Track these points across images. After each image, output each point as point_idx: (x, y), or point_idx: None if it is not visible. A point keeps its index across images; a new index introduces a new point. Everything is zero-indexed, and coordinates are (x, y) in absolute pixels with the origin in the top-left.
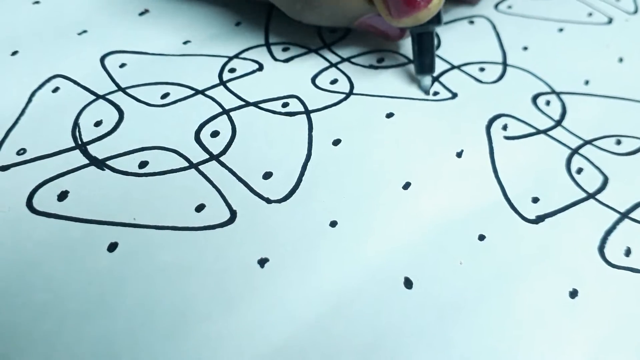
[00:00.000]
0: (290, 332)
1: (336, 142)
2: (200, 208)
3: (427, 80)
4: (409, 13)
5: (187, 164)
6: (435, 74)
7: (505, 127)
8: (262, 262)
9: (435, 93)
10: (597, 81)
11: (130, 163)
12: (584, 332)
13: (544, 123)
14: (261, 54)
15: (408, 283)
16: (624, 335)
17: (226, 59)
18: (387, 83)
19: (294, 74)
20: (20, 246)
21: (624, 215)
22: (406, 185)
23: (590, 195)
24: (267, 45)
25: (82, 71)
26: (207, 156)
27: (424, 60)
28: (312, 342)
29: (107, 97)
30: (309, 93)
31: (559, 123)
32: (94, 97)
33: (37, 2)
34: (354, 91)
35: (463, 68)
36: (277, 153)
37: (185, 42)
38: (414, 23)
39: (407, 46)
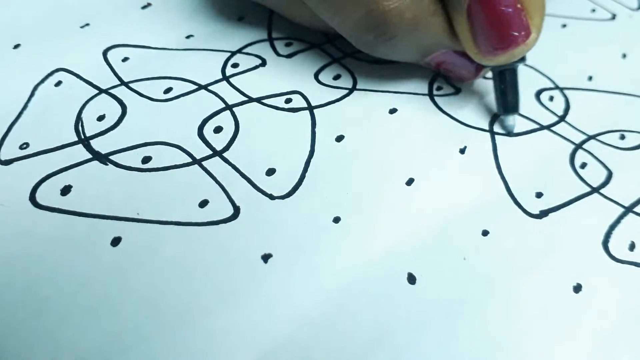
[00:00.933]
0: (294, 327)
1: (339, 138)
2: (203, 204)
3: (511, 120)
4: (504, 50)
5: (190, 160)
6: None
7: None
8: (266, 257)
9: (439, 88)
10: (601, 77)
11: (133, 158)
12: (588, 326)
13: (547, 119)
14: (264, 49)
15: (411, 278)
16: (628, 330)
17: (229, 54)
18: (391, 78)
19: (297, 70)
20: (24, 241)
21: (628, 209)
22: (409, 181)
23: (595, 190)
24: (270, 40)
25: (84, 65)
26: (210, 152)
27: (508, 99)
28: (316, 337)
29: (110, 91)
30: (312, 89)
31: (562, 118)
32: (96, 91)
33: None
34: (357, 87)
35: None
36: (280, 149)
37: (188, 37)
38: (507, 61)
39: None
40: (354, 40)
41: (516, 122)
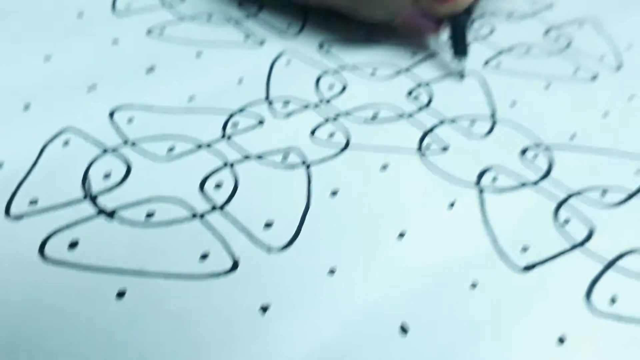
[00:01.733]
0: None
1: (334, 193)
2: (204, 257)
3: (462, 62)
4: (449, 0)
5: (192, 215)
6: (427, 128)
7: (494, 180)
8: (264, 309)
9: (428, 146)
10: (583, 135)
11: (137, 213)
12: None
13: (532, 175)
14: (263, 109)
15: (404, 330)
16: None
17: (229, 114)
18: (382, 136)
19: (293, 128)
20: (33, 293)
21: (610, 264)
22: (401, 235)
23: (577, 245)
24: (268, 101)
25: (91, 125)
26: (211, 207)
27: (458, 45)
28: None
29: (116, 150)
30: (308, 146)
31: (546, 175)
32: (103, 150)
33: (48, 58)
34: (351, 144)
35: (454, 122)
36: (278, 203)
37: (190, 98)
38: (454, 9)
39: (402, 102)
40: (334, 4)
41: (466, 66)
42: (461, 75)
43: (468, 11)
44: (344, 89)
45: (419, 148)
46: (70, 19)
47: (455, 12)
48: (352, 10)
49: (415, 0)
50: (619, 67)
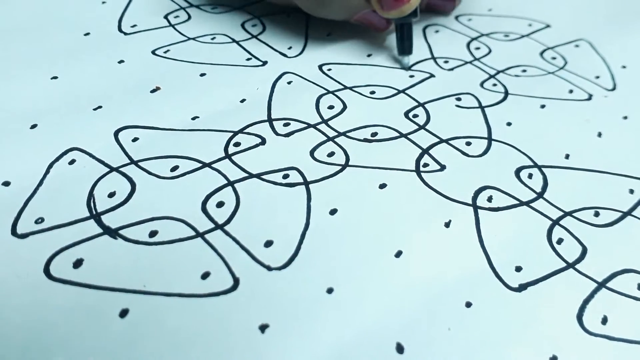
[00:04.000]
0: None
1: (333, 212)
2: (205, 275)
3: (406, 59)
4: (396, 7)
5: (194, 233)
6: (424, 147)
7: (490, 199)
8: (263, 328)
9: (425, 165)
10: (577, 155)
11: (141, 232)
12: None
13: (526, 195)
14: (264, 129)
15: (400, 348)
16: None
17: (231, 134)
18: (380, 155)
19: (294, 148)
20: (38, 311)
21: (601, 284)
22: (398, 254)
23: (570, 265)
24: (270, 120)
25: (97, 144)
26: (212, 225)
27: (404, 45)
28: None
29: (121, 169)
30: (308, 165)
31: (540, 195)
32: (108, 170)
33: (55, 78)
34: (350, 163)
35: (451, 142)
36: (278, 222)
37: (193, 118)
38: (399, 15)
39: (400, 122)
40: (302, 5)
41: (410, 61)
42: (407, 69)
43: (414, 14)
44: (343, 108)
45: (417, 167)
46: (77, 39)
47: (402, 16)
48: (314, 10)
49: (367, 2)
50: (613, 88)
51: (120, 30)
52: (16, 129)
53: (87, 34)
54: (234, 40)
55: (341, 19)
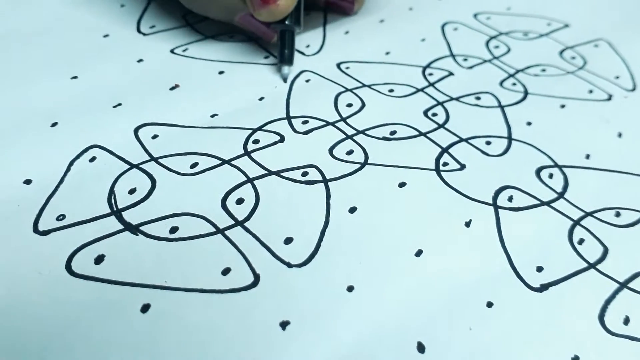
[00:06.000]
0: None
1: (352, 210)
2: (226, 271)
3: (286, 69)
4: (263, 7)
5: (214, 230)
6: (444, 146)
7: (510, 199)
8: (284, 324)
9: (445, 164)
10: (598, 155)
11: (161, 228)
12: None
13: (547, 195)
14: (283, 127)
15: (421, 347)
16: None
17: (250, 131)
18: (400, 154)
19: (312, 145)
20: (60, 307)
21: (623, 285)
22: (418, 253)
23: (591, 265)
24: (288, 118)
25: (117, 142)
26: (232, 222)
27: (284, 52)
28: None
29: (141, 166)
30: (327, 163)
31: (561, 195)
32: (128, 167)
33: (75, 77)
34: (369, 161)
35: (471, 141)
36: (298, 219)
37: (212, 115)
38: (271, 18)
39: (419, 120)
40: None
41: (290, 72)
42: (284, 80)
43: (297, 22)
44: (362, 106)
45: (436, 166)
46: (96, 41)
47: (274, 19)
48: (190, 3)
49: (244, 2)
50: (633, 88)
51: (139, 31)
52: (37, 128)
53: (107, 35)
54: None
55: (222, 19)
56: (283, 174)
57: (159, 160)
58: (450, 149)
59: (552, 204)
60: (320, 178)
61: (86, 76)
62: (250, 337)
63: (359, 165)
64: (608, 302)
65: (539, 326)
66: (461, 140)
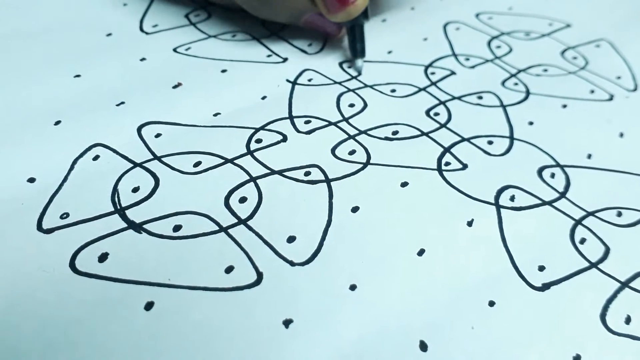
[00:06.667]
0: None
1: (355, 209)
2: (229, 270)
3: (359, 62)
4: (341, 9)
5: (217, 228)
6: (446, 145)
7: (512, 198)
8: (287, 323)
9: (447, 164)
10: (599, 155)
11: (165, 227)
12: None
13: (549, 195)
14: (285, 126)
15: (423, 346)
16: None
17: (253, 130)
18: (402, 154)
19: (315, 145)
20: (64, 304)
21: (625, 284)
22: (420, 252)
23: (593, 265)
24: (291, 118)
25: (120, 140)
26: (235, 220)
27: (357, 47)
28: None
29: (144, 164)
30: (329, 163)
31: (563, 195)
32: (131, 165)
33: (78, 76)
34: (371, 161)
35: (473, 140)
36: (300, 218)
37: (215, 114)
38: (346, 18)
39: (421, 120)
40: (245, 6)
41: (363, 65)
42: (359, 73)
43: (365, 15)
44: (364, 106)
45: (438, 165)
46: (99, 40)
47: (349, 19)
48: (258, 10)
49: (313, 4)
50: (635, 88)
51: (141, 30)
52: (40, 126)
53: (109, 34)
54: (254, 37)
55: (287, 21)
56: (286, 173)
57: (162, 158)
58: (452, 148)
59: (553, 204)
60: (323, 178)
61: (89, 75)
62: (253, 334)
63: (362, 165)
64: (610, 301)
65: (541, 325)
66: (463, 139)
